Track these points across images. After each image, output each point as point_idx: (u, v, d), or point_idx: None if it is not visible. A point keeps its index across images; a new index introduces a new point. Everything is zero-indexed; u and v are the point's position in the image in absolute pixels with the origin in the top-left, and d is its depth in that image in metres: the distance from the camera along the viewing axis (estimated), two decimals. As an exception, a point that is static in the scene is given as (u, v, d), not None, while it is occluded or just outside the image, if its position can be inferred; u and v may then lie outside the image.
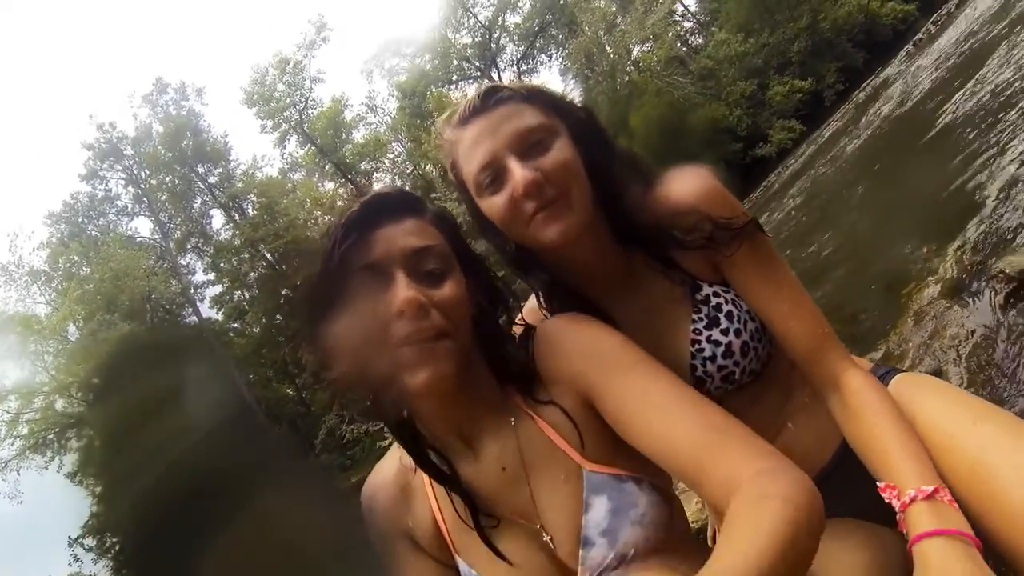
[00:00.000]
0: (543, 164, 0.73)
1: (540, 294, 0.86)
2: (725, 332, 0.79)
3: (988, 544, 0.63)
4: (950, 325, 1.63)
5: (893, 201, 4.02)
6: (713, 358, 0.79)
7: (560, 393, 0.70)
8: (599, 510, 0.67)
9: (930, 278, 2.13)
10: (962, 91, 5.09)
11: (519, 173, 0.72)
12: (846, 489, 0.79)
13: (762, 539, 0.49)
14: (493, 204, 0.75)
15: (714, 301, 0.81)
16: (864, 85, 17.10)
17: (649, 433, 0.63)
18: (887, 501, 0.66)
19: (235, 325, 21.28)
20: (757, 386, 0.83)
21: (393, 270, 0.65)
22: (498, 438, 0.71)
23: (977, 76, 5.09)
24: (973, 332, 1.50)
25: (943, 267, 2.10)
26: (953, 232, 2.27)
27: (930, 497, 0.63)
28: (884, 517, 0.74)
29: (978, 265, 1.77)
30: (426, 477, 0.75)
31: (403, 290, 0.63)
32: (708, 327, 0.79)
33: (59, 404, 19.24)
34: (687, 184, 0.79)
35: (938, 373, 1.61)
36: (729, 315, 0.80)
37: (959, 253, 2.07)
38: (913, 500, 0.63)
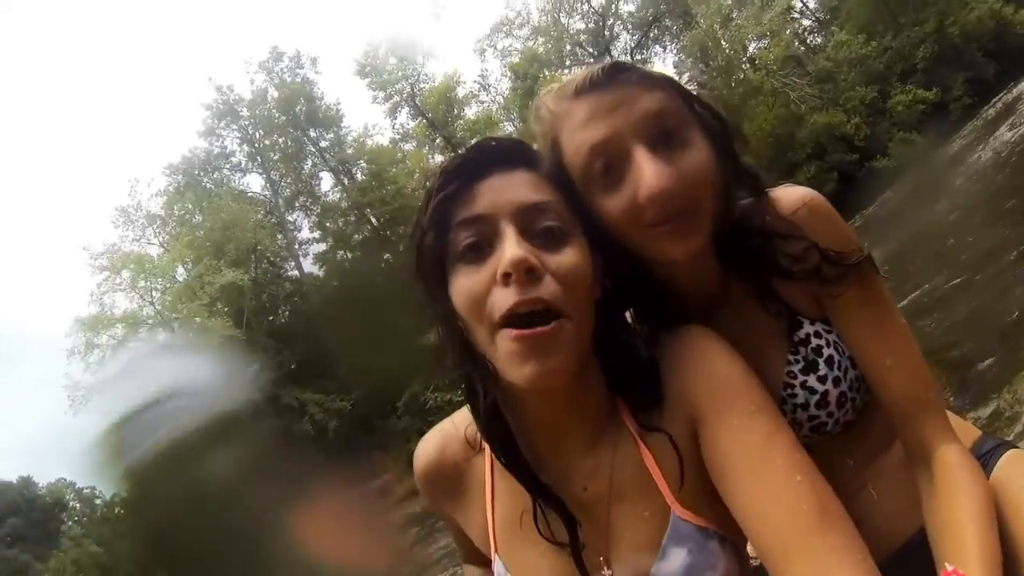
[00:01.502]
0: (682, 165, 0.62)
1: (634, 307, 0.78)
2: (823, 380, 0.72)
3: None
4: None
5: (1018, 238, 3.80)
6: (806, 406, 0.72)
7: (671, 418, 0.63)
8: (674, 562, 0.61)
9: None
10: None
11: (651, 171, 0.60)
12: (930, 571, 0.70)
13: None
14: (607, 203, 0.63)
15: (814, 343, 0.73)
16: (995, 100, 16.46)
17: (746, 494, 0.57)
18: None
19: (335, 283, 22.71)
20: (847, 437, 0.76)
21: (502, 225, 0.57)
22: (590, 455, 0.65)
23: None
24: None
25: None
26: None
27: None
28: None
29: None
30: (488, 462, 0.70)
31: (512, 248, 0.55)
32: (805, 371, 0.72)
33: (161, 337, 21.31)
34: (798, 203, 0.71)
35: None
36: (829, 360, 0.73)
37: None
38: None
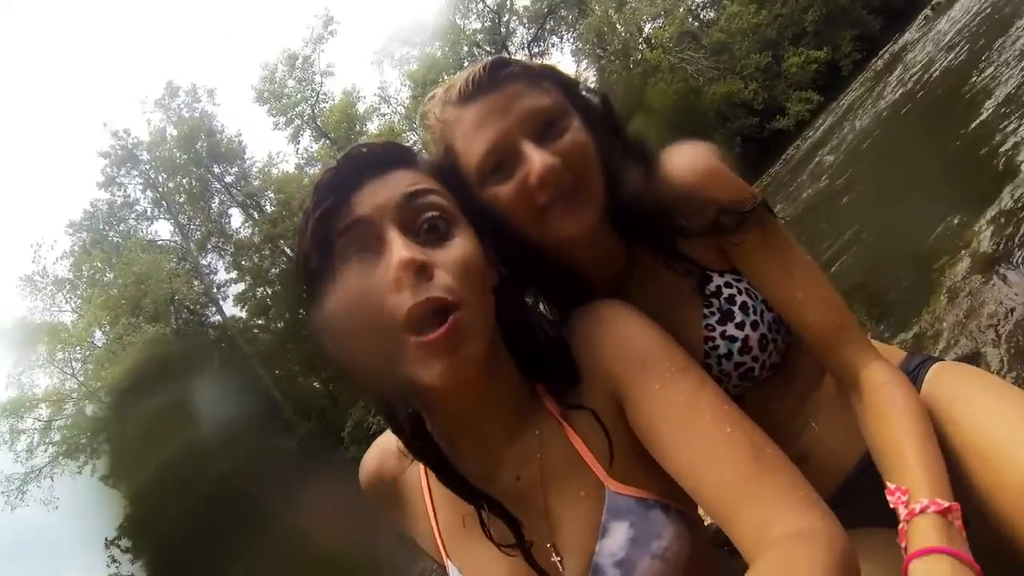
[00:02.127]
0: (561, 148, 0.66)
1: (542, 293, 0.80)
2: (740, 326, 0.73)
3: None
4: (987, 302, 1.52)
5: (920, 171, 3.86)
6: (729, 355, 0.74)
7: (591, 394, 0.63)
8: (617, 538, 0.61)
9: (963, 251, 2.01)
10: (987, 54, 4.99)
11: (537, 157, 0.64)
12: (876, 495, 0.73)
13: None
14: (499, 192, 0.66)
15: (726, 293, 0.75)
16: (882, 52, 17.18)
17: (680, 455, 0.57)
18: (892, 506, 0.61)
19: (259, 321, 21.95)
20: (777, 379, 0.78)
21: (384, 228, 0.56)
22: (517, 444, 0.65)
23: (1003, 38, 4.98)
24: (1012, 311, 1.38)
25: (977, 239, 1.98)
26: (986, 201, 2.14)
27: (943, 512, 0.57)
28: None
29: (1015, 236, 1.65)
30: (422, 470, 0.70)
31: (398, 250, 0.53)
32: (721, 322, 0.74)
33: (89, 409, 20.09)
34: (686, 164, 0.73)
35: (976, 356, 1.54)
36: (744, 307, 0.74)
37: (993, 223, 1.95)
38: (923, 510, 0.58)
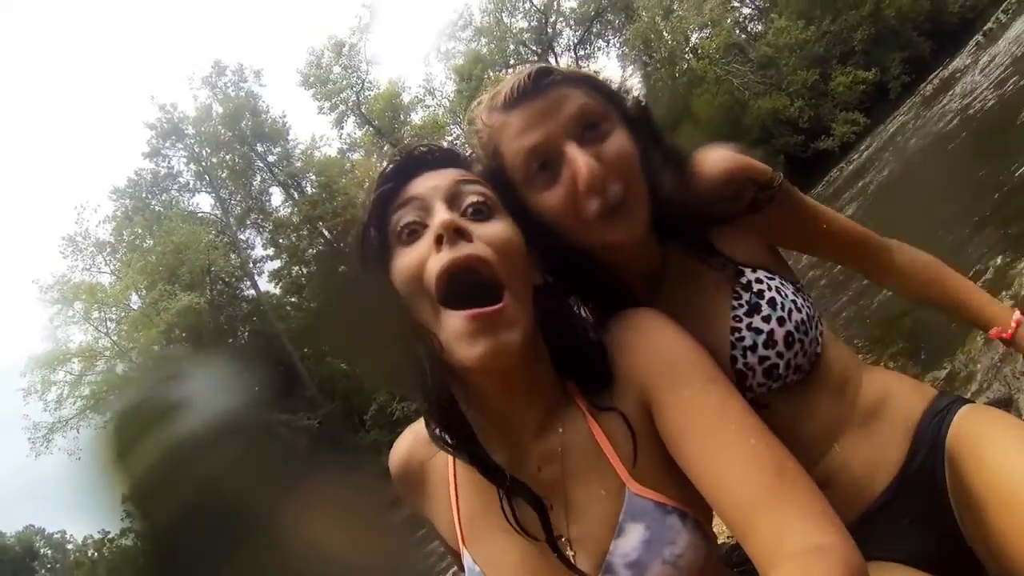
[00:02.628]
0: (604, 153, 0.68)
1: (583, 297, 0.82)
2: (767, 319, 0.75)
3: None
4: None
5: (964, 205, 3.84)
6: (754, 348, 0.75)
7: (622, 398, 0.66)
8: (632, 539, 0.62)
9: (1004, 292, 2.00)
10: None
11: (581, 159, 0.66)
12: (896, 529, 0.75)
13: None
14: (548, 197, 0.69)
15: (756, 287, 0.77)
16: (931, 77, 16.96)
17: (704, 462, 0.59)
18: (996, 338, 0.82)
19: (292, 299, 22.47)
20: (805, 391, 0.79)
21: (433, 203, 0.61)
22: (542, 437, 0.67)
23: None
24: None
25: (1019, 280, 1.99)
26: None
27: None
28: (935, 564, 0.71)
29: None
30: (449, 459, 0.72)
31: (441, 213, 0.59)
32: (749, 314, 0.76)
33: (119, 368, 20.85)
34: (718, 159, 0.78)
35: (1008, 402, 1.53)
36: (772, 302, 0.76)
37: None
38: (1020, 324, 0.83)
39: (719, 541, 0.77)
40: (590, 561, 0.64)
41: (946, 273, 0.91)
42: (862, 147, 16.54)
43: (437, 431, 0.66)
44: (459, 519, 0.71)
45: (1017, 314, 0.84)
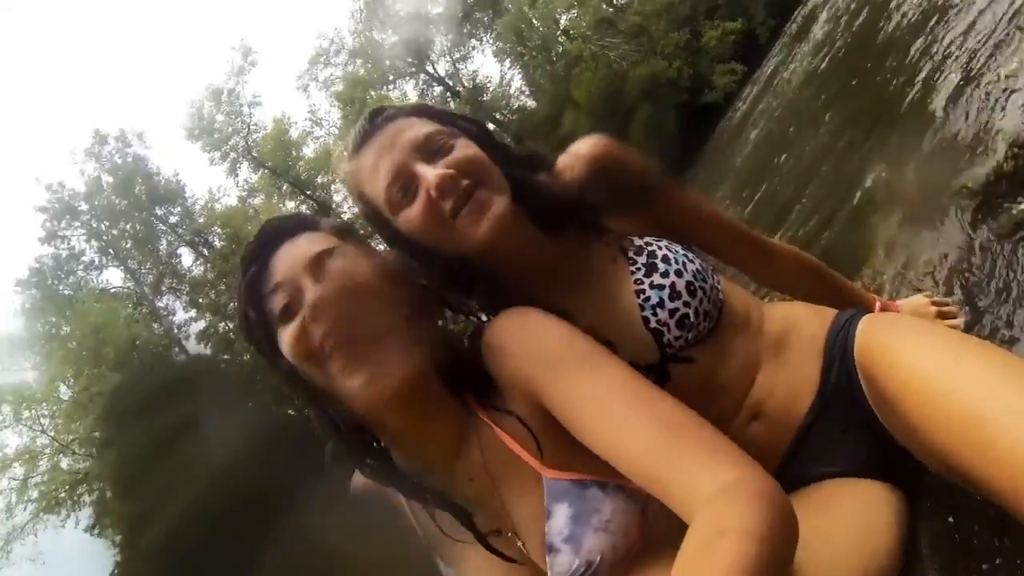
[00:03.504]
0: (451, 161, 0.72)
1: (484, 307, 0.83)
2: (665, 275, 0.79)
3: (984, 496, 0.59)
4: (922, 251, 1.57)
5: (844, 127, 3.88)
6: (661, 304, 0.78)
7: (513, 398, 0.70)
8: (560, 517, 0.67)
9: (894, 204, 2.07)
10: (892, 4, 4.96)
11: (430, 172, 0.71)
12: (830, 442, 0.77)
13: None
14: (410, 216, 0.73)
15: (648, 249, 0.81)
16: (795, 16, 17.74)
17: (597, 436, 0.61)
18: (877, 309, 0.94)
19: (225, 356, 22.09)
20: (719, 337, 0.82)
21: (300, 282, 0.66)
22: (461, 451, 0.72)
23: None
24: (946, 256, 1.43)
25: (904, 190, 2.03)
26: (910, 151, 2.18)
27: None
28: (873, 470, 0.73)
29: (940, 184, 1.67)
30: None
31: (311, 294, 0.64)
32: (647, 274, 0.80)
33: (64, 463, 20.16)
34: (585, 142, 0.82)
35: None
36: (665, 259, 0.81)
37: (919, 174, 1.99)
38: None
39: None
40: (537, 545, 0.70)
41: (824, 273, 1.00)
42: (744, 93, 17.19)
43: (366, 470, 0.74)
44: (423, 535, 0.78)
45: (879, 301, 0.98)
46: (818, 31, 10.27)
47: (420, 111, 0.80)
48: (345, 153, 0.81)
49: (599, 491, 0.67)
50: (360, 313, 0.66)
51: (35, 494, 20.02)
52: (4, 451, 20.21)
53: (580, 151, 0.83)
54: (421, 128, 0.76)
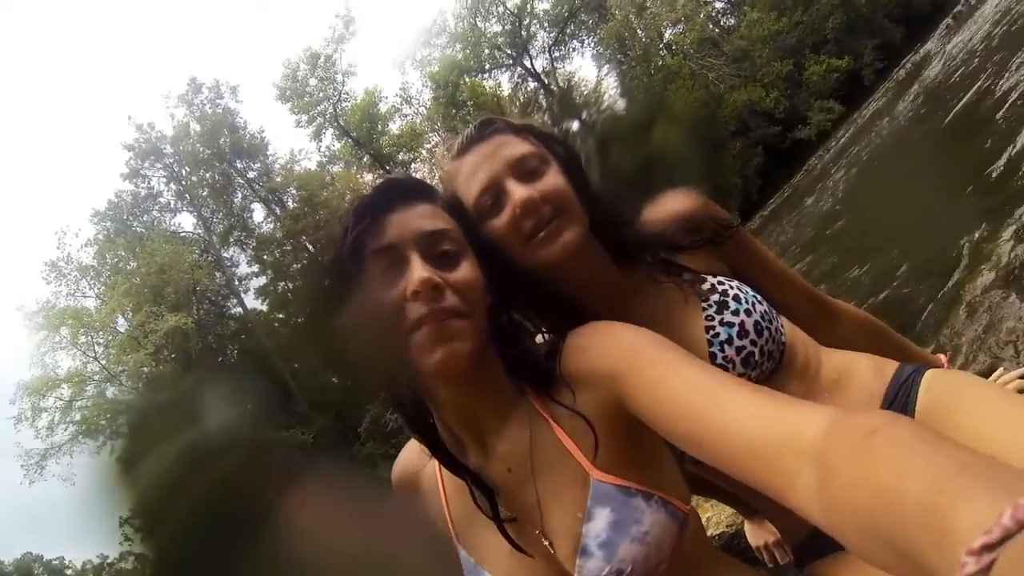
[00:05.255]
0: (539, 187, 0.79)
1: (540, 315, 0.88)
2: (736, 313, 0.84)
3: None
4: (1007, 318, 1.52)
5: (941, 183, 3.93)
6: (730, 340, 0.82)
7: (585, 396, 0.70)
8: (600, 521, 0.68)
9: (983, 265, 2.02)
10: (1008, 65, 4.95)
11: (518, 192, 0.77)
12: None
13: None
14: (495, 224, 0.79)
15: (719, 289, 0.86)
16: (904, 62, 17.17)
17: (693, 418, 0.58)
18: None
19: (280, 315, 22.40)
20: (777, 378, 0.85)
21: (407, 252, 0.67)
22: (508, 438, 0.73)
23: (1022, 48, 4.91)
24: None
25: (997, 252, 2.00)
26: (1007, 214, 2.19)
27: None
28: None
29: None
30: (437, 465, 0.80)
31: (418, 271, 0.65)
32: (719, 311, 0.84)
33: (110, 392, 20.71)
34: (680, 199, 0.90)
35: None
36: (736, 298, 0.85)
37: (1014, 238, 1.97)
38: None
39: (718, 531, 0.81)
40: (567, 545, 0.70)
41: (887, 336, 1.00)
42: (839, 134, 16.70)
43: (421, 437, 0.76)
44: (451, 519, 0.79)
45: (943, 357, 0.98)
46: (928, 80, 10.15)
47: (525, 130, 0.85)
48: (448, 153, 0.86)
49: (643, 501, 0.68)
50: (455, 307, 0.67)
51: (77, 416, 20.63)
52: (56, 371, 20.85)
53: (670, 208, 0.89)
54: (520, 147, 0.81)
